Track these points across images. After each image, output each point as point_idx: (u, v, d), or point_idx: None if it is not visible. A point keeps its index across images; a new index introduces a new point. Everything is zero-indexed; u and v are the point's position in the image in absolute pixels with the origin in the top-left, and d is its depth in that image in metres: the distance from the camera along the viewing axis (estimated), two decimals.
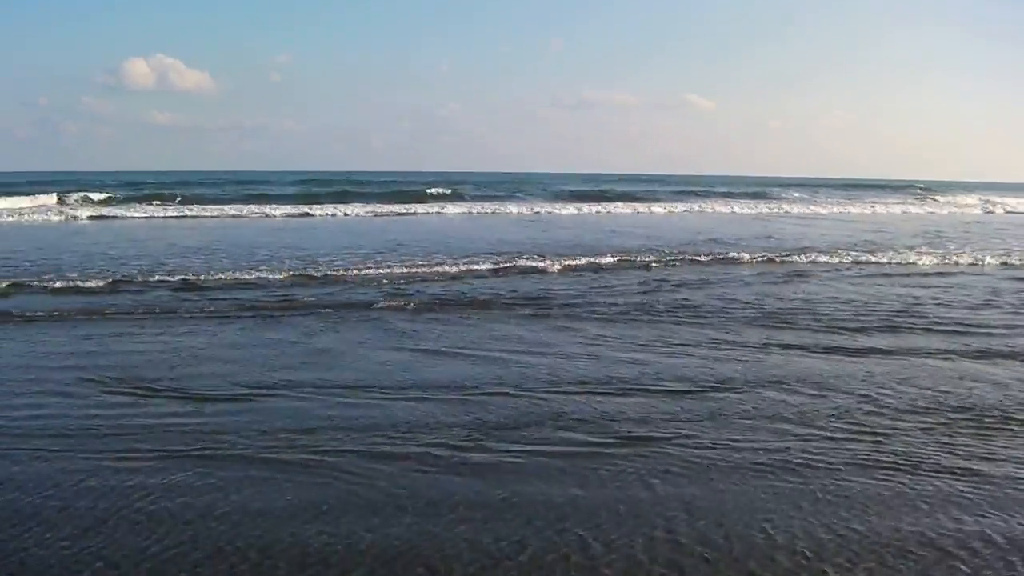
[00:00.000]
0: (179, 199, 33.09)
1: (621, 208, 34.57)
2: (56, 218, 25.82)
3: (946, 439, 5.00)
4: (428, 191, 40.07)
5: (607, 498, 4.12)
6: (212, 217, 27.13)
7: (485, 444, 4.89)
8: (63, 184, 38.27)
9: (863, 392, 6.04)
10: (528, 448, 4.82)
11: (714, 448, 4.83)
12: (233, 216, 27.80)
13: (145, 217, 27.05)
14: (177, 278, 11.59)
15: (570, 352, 7.37)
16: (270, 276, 11.95)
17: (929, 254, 16.32)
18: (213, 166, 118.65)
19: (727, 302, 10.23)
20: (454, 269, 13.05)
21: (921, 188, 58.88)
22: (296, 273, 12.24)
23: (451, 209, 32.45)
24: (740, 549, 3.58)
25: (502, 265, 13.59)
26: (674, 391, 6.05)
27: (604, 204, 35.78)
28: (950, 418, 5.42)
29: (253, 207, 30.24)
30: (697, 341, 7.87)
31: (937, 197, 48.68)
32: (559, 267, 13.48)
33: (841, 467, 4.53)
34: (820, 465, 4.56)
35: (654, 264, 14.23)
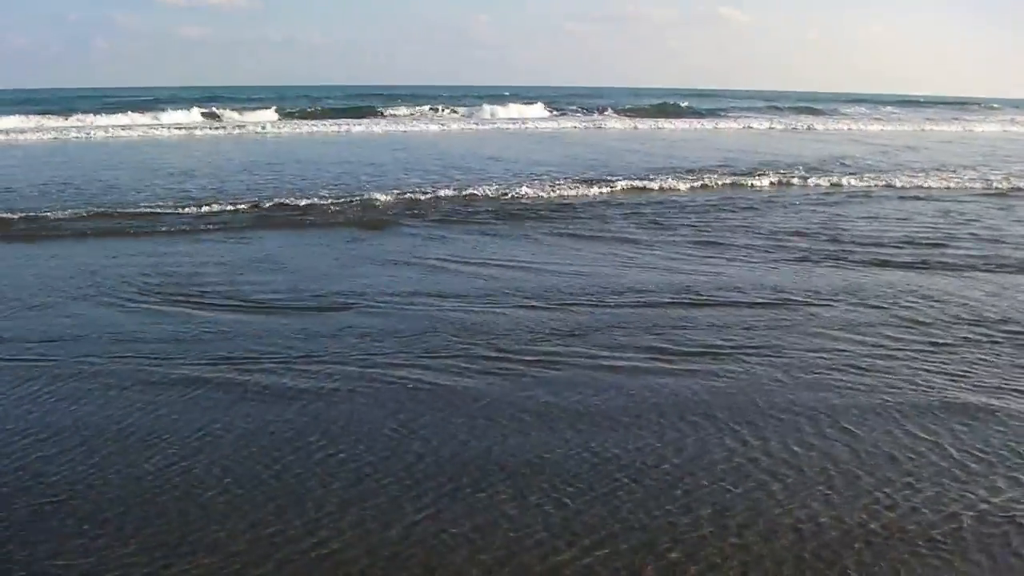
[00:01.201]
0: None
1: (677, 123, 33.75)
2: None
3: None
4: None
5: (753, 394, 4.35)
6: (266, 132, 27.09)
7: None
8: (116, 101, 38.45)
9: None
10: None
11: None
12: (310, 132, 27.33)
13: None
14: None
15: None
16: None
17: None
18: (242, 80, 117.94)
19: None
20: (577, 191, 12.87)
21: (994, 106, 56.36)
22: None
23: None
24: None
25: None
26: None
27: (656, 120, 35.20)
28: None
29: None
30: None
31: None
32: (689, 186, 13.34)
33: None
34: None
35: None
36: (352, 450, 3.73)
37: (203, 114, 32.63)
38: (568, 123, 32.83)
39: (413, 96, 48.24)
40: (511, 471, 3.54)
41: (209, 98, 41.79)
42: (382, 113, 35.61)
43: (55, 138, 23.37)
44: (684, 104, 43.92)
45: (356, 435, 3.89)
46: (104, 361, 4.86)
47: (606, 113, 38.40)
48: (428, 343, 5.24)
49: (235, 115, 33.12)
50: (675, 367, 4.83)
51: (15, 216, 9.56)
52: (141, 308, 6.05)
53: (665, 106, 42.50)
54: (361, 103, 40.85)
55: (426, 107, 37.67)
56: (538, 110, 38.19)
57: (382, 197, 11.26)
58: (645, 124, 32.87)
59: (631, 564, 2.88)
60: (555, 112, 38.67)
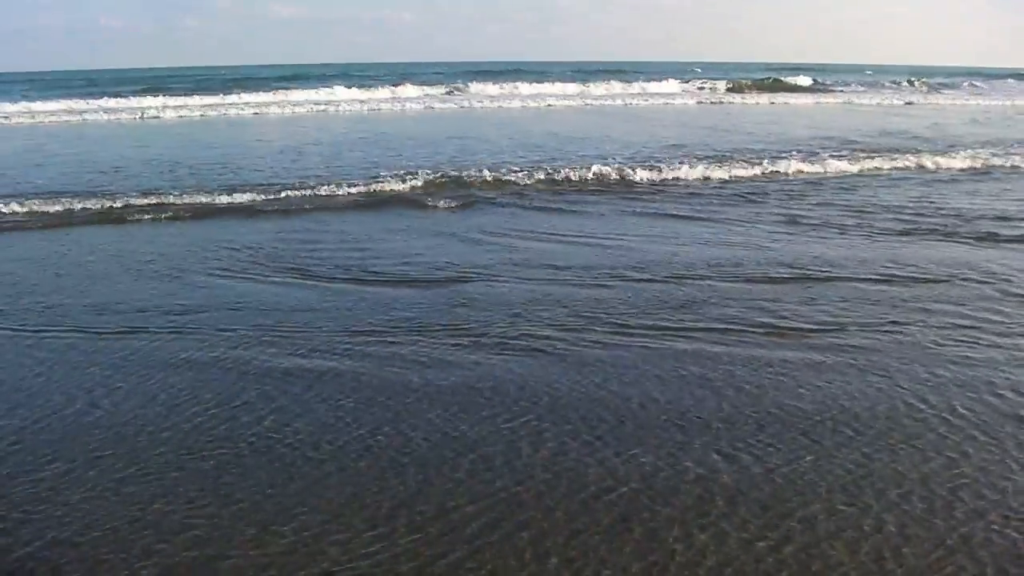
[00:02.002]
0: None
1: (800, 98, 33.39)
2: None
3: None
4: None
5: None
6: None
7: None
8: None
9: None
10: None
11: None
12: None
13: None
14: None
15: None
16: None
17: None
18: (327, 58, 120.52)
19: None
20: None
21: None
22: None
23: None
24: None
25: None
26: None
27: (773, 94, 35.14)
28: None
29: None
30: None
31: None
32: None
33: None
34: None
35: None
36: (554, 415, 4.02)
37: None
38: (690, 100, 33.08)
39: (497, 71, 48.81)
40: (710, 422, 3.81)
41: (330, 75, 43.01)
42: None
43: (202, 116, 24.87)
44: (793, 80, 42.92)
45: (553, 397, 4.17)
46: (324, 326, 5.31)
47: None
48: (551, 313, 5.57)
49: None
50: (795, 341, 5.00)
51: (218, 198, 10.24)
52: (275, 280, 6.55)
53: (771, 81, 41.84)
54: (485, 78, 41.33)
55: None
56: (673, 86, 38.60)
57: (488, 174, 11.53)
58: (761, 99, 33.36)
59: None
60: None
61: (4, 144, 17.37)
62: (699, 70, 57.05)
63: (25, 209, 9.29)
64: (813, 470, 3.48)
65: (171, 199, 9.84)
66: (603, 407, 4.12)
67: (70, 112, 25.78)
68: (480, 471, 3.50)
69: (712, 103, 31.92)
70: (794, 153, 14.04)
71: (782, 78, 42.95)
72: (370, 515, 3.18)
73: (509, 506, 3.23)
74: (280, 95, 31.15)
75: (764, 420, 3.96)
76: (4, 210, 9.19)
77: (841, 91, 39.09)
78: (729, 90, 37.96)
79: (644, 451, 3.66)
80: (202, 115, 25.18)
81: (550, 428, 3.89)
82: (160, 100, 28.94)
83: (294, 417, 4.04)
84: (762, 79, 42.90)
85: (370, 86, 35.34)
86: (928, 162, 13.22)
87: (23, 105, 27.06)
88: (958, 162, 13.27)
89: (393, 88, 34.69)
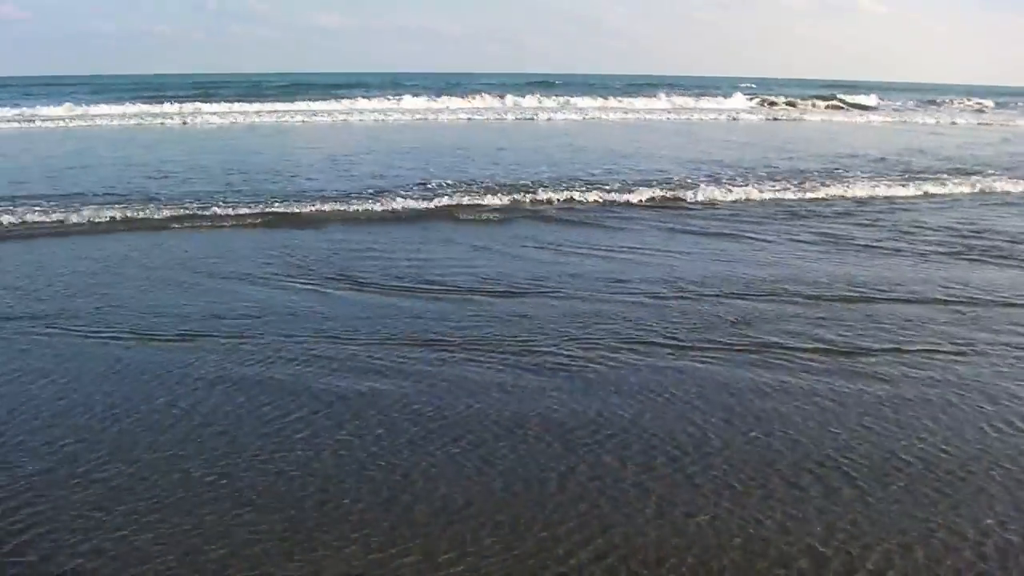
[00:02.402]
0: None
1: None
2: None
3: None
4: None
5: None
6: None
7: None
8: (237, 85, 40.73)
9: None
10: None
11: None
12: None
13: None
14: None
15: None
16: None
17: None
18: (372, 67, 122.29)
19: None
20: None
21: None
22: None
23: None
24: None
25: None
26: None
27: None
28: None
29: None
30: None
31: None
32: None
33: None
34: None
35: None
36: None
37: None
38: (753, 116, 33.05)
39: (545, 84, 48.99)
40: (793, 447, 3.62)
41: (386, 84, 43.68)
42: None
43: (279, 120, 25.54)
44: (844, 97, 42.38)
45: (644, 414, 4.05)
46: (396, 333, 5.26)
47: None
48: (608, 327, 5.53)
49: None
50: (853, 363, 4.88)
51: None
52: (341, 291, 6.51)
53: (832, 97, 41.55)
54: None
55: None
56: (740, 101, 38.95)
57: (555, 196, 11.42)
58: (823, 116, 33.12)
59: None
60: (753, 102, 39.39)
61: (60, 146, 17.83)
62: (753, 86, 56.64)
63: (77, 216, 9.24)
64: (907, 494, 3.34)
65: (225, 208, 9.87)
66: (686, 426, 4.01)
67: (123, 116, 26.43)
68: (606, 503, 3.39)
69: (773, 119, 31.81)
70: (856, 173, 13.80)
71: (842, 96, 42.50)
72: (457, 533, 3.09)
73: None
74: (331, 103, 31.63)
75: (846, 442, 3.83)
76: (58, 217, 9.21)
77: (911, 110, 38.42)
78: (788, 105, 37.81)
79: (729, 472, 3.55)
80: (253, 121, 25.60)
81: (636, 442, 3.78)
82: (211, 106, 29.55)
83: (372, 427, 3.98)
84: (822, 95, 42.49)
85: (417, 94, 35.78)
86: (995, 185, 12.91)
87: (82, 109, 27.77)
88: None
89: (435, 98, 35.06)
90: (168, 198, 10.38)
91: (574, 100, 36.26)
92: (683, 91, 43.07)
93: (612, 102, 36.52)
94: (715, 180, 12.73)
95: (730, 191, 11.74)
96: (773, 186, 12.21)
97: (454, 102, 34.45)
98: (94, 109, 27.93)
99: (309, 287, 6.60)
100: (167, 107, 28.73)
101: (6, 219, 9.06)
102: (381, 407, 4.26)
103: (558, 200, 10.82)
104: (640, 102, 36.31)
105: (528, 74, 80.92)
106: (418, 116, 28.64)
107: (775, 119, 31.78)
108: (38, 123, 24.15)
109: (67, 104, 28.29)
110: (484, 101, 35.38)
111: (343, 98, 33.60)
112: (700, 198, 11.33)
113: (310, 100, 32.31)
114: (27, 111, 26.74)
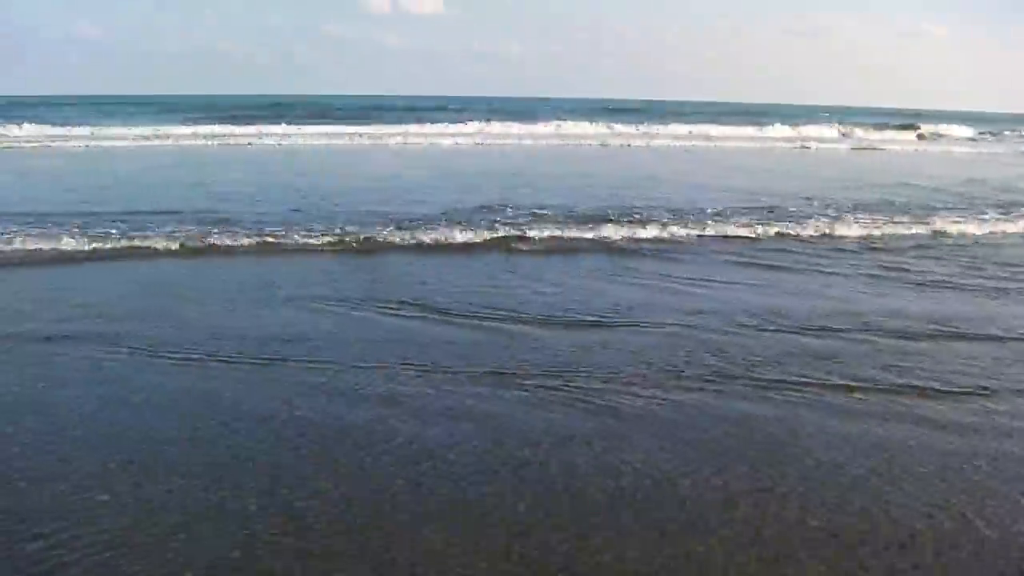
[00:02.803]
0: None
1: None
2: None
3: None
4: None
5: None
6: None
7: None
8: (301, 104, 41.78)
9: None
10: None
11: None
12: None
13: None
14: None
15: None
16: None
17: None
18: (441, 91, 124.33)
19: None
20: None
21: None
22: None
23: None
24: None
25: None
26: None
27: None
28: None
29: None
30: None
31: None
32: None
33: None
34: None
35: None
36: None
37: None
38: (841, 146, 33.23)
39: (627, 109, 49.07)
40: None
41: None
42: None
43: (326, 145, 26.21)
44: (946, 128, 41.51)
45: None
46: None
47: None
48: (681, 361, 5.55)
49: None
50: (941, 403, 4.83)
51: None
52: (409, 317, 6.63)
53: (917, 128, 40.78)
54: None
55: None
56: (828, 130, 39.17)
57: (620, 233, 11.40)
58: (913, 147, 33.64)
59: None
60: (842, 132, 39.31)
61: (133, 164, 18.80)
62: (827, 114, 55.73)
63: (151, 241, 9.32)
64: None
65: (307, 236, 9.84)
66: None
67: (194, 136, 27.58)
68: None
69: (858, 148, 31.93)
70: (941, 210, 13.49)
71: (925, 125, 41.60)
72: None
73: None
74: (402, 128, 32.39)
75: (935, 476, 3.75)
76: (139, 244, 9.25)
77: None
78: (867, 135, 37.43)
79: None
80: (325, 144, 26.32)
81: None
82: (282, 128, 30.63)
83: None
84: (905, 125, 41.63)
85: (473, 119, 36.43)
86: None
87: (163, 130, 29.05)
88: None
89: (505, 123, 35.59)
90: (252, 222, 10.48)
91: (650, 127, 37.05)
92: (789, 120, 42.60)
93: (684, 128, 37.17)
94: (787, 212, 12.61)
95: (802, 224, 11.59)
96: (858, 219, 12.03)
97: (538, 129, 34.86)
98: (167, 129, 29.41)
99: (395, 313, 6.72)
100: (241, 129, 29.94)
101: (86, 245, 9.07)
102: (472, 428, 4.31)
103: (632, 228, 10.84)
104: (723, 130, 36.64)
105: (600, 100, 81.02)
106: (489, 142, 28.99)
107: (861, 148, 31.73)
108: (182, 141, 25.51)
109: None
110: (573, 128, 35.88)
111: (417, 122, 34.45)
112: (778, 231, 11.15)
113: (383, 123, 33.14)
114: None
